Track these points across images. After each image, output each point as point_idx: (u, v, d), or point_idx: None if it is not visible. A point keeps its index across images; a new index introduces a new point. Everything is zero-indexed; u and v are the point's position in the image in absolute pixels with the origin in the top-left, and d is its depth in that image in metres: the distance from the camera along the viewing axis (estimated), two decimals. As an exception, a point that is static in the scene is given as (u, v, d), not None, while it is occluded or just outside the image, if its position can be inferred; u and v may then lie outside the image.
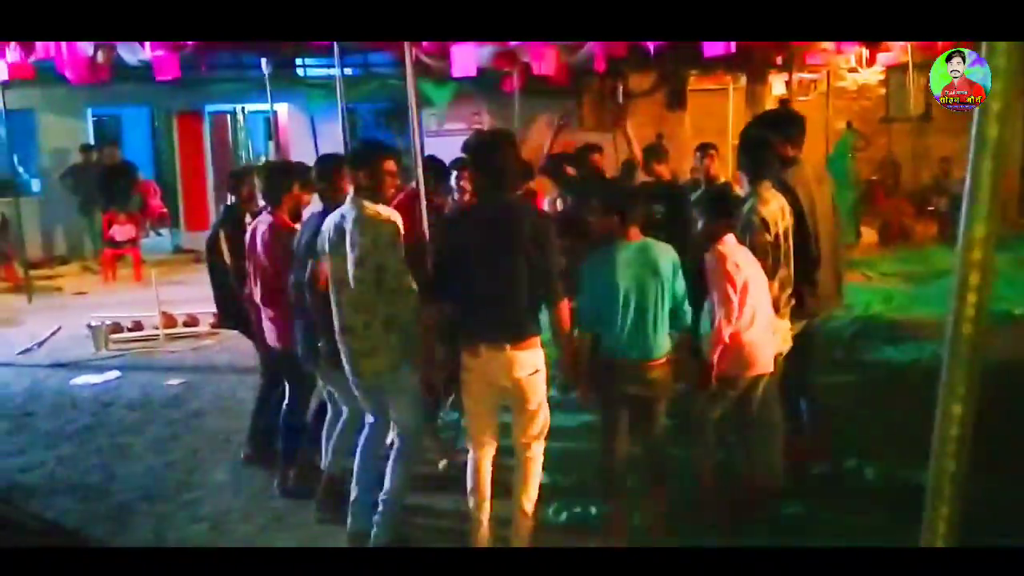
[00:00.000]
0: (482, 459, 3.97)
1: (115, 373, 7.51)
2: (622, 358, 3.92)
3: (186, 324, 8.78)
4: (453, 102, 13.88)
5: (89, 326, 8.45)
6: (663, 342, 3.95)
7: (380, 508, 4.07)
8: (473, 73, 11.06)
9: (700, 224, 4.25)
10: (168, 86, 12.01)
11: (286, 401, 4.86)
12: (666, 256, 3.96)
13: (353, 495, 4.19)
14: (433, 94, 13.17)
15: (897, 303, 8.66)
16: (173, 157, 14.98)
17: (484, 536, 3.95)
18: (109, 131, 15.94)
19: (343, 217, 4.00)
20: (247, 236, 4.86)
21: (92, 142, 13.80)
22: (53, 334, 8.99)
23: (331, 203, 4.31)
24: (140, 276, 11.76)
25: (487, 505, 3.96)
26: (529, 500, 3.95)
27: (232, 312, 5.36)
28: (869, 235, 12.70)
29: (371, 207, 3.96)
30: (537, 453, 3.96)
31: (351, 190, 4.09)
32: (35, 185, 14.21)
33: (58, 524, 4.65)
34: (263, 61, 9.52)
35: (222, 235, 5.28)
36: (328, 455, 4.59)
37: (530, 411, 3.87)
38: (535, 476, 3.97)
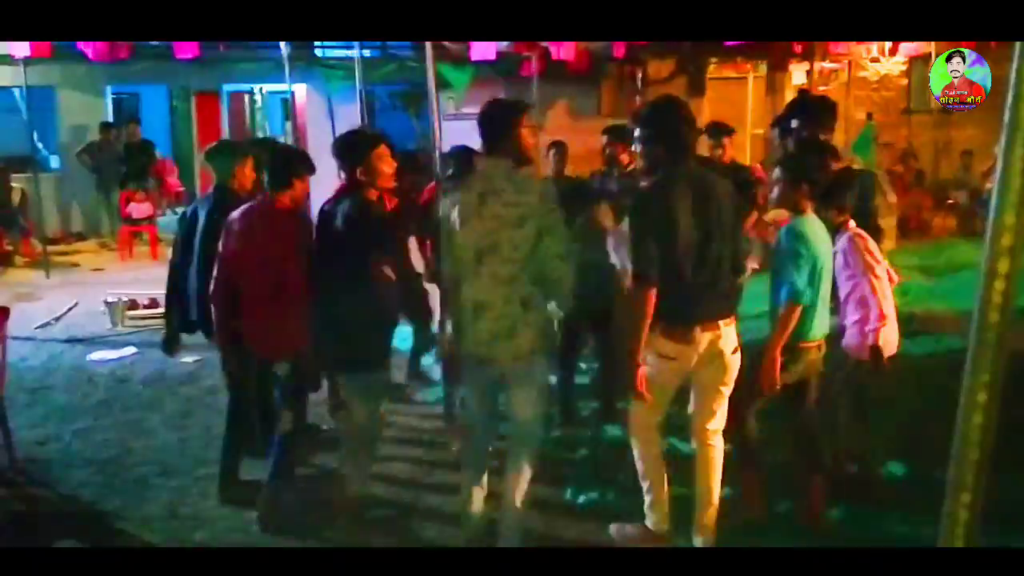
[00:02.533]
0: (656, 445, 3.79)
1: (131, 349, 7.56)
2: (810, 335, 3.84)
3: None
4: (471, 85, 13.85)
5: (106, 302, 8.51)
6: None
7: (507, 513, 3.78)
8: (492, 57, 11.05)
9: (829, 209, 4.16)
10: (187, 65, 12.05)
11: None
12: (827, 234, 3.94)
13: (465, 502, 3.89)
14: (452, 77, 13.15)
15: (914, 296, 8.59)
16: (191, 136, 15.03)
17: (666, 533, 3.81)
18: (128, 109, 15.99)
19: (484, 177, 3.64)
20: (235, 223, 4.22)
21: (111, 119, 13.86)
22: (70, 309, 9.05)
23: (358, 188, 4.01)
24: (157, 254, 11.81)
25: (667, 501, 3.82)
26: (715, 489, 3.78)
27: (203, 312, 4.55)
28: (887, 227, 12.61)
29: (518, 166, 3.66)
30: (720, 443, 3.80)
31: (486, 150, 3.71)
32: (54, 162, 14.29)
33: (73, 497, 4.71)
34: (281, 42, 9.50)
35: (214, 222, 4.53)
36: (352, 471, 4.23)
37: (723, 393, 3.72)
38: (718, 465, 3.78)
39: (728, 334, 3.63)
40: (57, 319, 8.70)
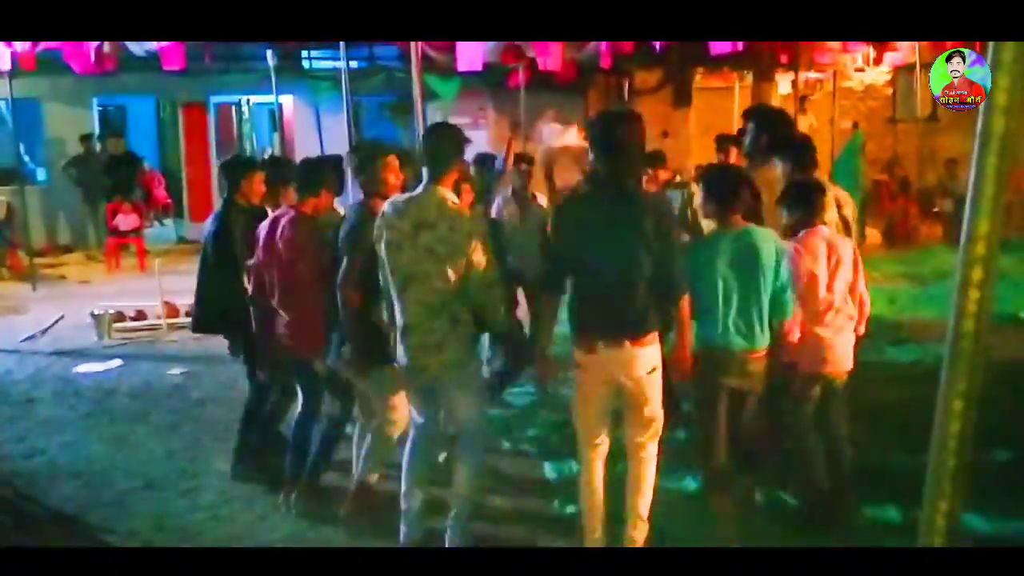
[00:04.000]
0: (595, 460, 3.78)
1: (117, 362, 7.53)
2: (723, 349, 3.81)
3: (188, 314, 8.77)
4: (459, 96, 13.85)
5: (92, 315, 8.48)
6: (766, 332, 3.87)
7: (454, 511, 3.93)
8: (479, 68, 11.05)
9: (784, 217, 4.16)
10: (174, 76, 12.01)
11: (300, 412, 4.62)
12: (768, 242, 3.85)
13: (405, 504, 3.99)
14: (439, 88, 13.14)
15: (900, 304, 8.65)
16: (178, 147, 15.01)
17: (597, 544, 3.77)
18: (114, 120, 15.94)
19: (419, 208, 3.75)
20: (263, 231, 4.50)
21: (97, 131, 13.81)
22: (57, 322, 9.00)
23: (374, 196, 4.12)
24: (144, 266, 11.77)
25: (601, 511, 3.79)
26: (645, 503, 3.77)
27: (220, 314, 4.98)
28: (874, 236, 12.68)
29: (451, 196, 3.79)
30: (652, 453, 3.78)
31: (425, 179, 3.81)
32: (40, 174, 14.23)
33: (59, 510, 4.68)
34: (268, 53, 9.51)
35: (236, 230, 4.85)
36: (359, 465, 4.38)
37: (648, 410, 3.69)
38: (650, 477, 3.78)
39: (640, 355, 3.57)
40: (43, 332, 8.66)
